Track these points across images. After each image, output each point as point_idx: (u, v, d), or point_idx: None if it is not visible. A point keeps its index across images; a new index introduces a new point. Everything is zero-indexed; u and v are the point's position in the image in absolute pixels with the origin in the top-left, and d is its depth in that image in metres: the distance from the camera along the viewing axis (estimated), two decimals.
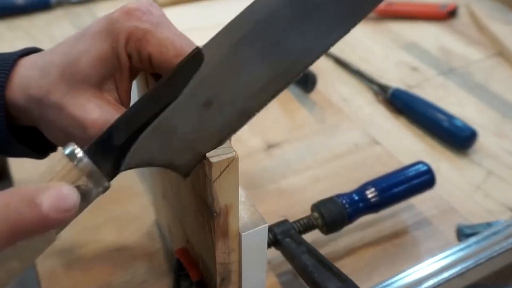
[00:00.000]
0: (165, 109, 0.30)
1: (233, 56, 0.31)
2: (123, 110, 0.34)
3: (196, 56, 0.31)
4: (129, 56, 0.34)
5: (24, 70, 0.35)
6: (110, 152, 0.30)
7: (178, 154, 0.32)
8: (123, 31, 0.33)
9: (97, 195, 0.29)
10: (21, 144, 0.37)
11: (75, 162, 0.28)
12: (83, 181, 0.28)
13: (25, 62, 0.36)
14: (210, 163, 0.31)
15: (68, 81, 0.33)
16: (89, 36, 0.34)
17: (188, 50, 0.32)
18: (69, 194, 0.26)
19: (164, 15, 0.35)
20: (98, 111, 0.33)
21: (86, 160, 0.28)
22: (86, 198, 0.28)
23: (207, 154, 0.31)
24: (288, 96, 0.72)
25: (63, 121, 0.34)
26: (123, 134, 0.30)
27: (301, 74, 0.34)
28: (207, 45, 0.32)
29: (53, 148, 0.40)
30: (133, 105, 0.31)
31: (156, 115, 0.30)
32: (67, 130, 0.34)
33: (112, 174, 0.30)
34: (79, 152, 0.28)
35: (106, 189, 0.30)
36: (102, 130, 0.31)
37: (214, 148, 0.32)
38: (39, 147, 0.39)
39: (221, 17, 0.95)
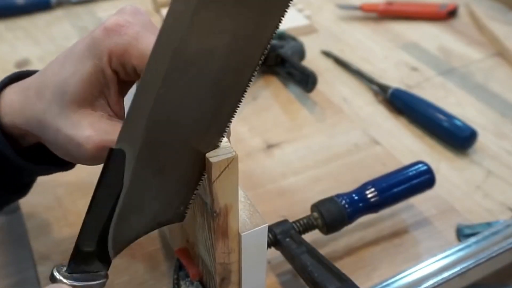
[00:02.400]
0: (117, 200, 0.31)
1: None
2: (116, 122, 0.35)
3: (113, 157, 0.31)
4: (116, 72, 0.34)
5: (19, 94, 0.36)
6: (90, 258, 0.32)
7: (159, 215, 0.34)
8: (104, 49, 0.33)
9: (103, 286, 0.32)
10: (42, 163, 0.39)
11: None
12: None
13: (19, 86, 0.37)
14: (210, 163, 0.31)
15: (60, 102, 0.34)
16: (74, 57, 0.34)
17: None
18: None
19: (147, 21, 0.35)
20: (90, 129, 0.34)
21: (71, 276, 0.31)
22: None
23: (207, 155, 0.31)
24: (288, 96, 0.72)
25: (60, 140, 0.35)
26: (91, 241, 0.31)
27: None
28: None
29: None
30: (89, 213, 0.32)
31: (113, 209, 0.31)
32: (66, 148, 0.35)
33: (106, 266, 0.32)
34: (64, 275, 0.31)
35: (105, 279, 0.32)
36: (97, 146, 0.33)
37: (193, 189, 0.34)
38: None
39: None
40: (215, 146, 0.32)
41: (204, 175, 0.33)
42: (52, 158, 0.38)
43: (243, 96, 0.33)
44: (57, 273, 0.31)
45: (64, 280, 0.31)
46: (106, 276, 0.32)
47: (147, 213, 0.33)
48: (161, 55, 0.29)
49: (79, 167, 0.59)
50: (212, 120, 0.32)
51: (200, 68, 0.30)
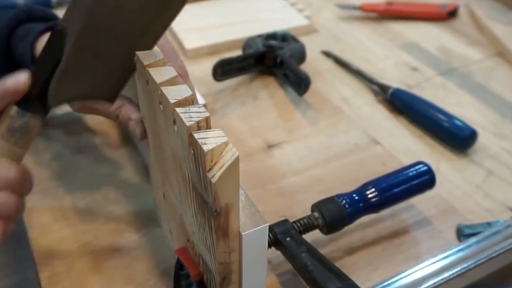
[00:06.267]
0: (57, 64, 0.39)
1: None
2: None
3: (57, 32, 0.40)
4: None
5: None
6: (34, 99, 0.41)
7: (93, 90, 0.43)
8: None
9: (35, 125, 0.41)
10: None
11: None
12: (16, 116, 0.40)
13: None
14: (203, 152, 0.31)
15: None
16: None
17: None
18: (22, 73, 0.40)
19: None
20: None
21: (15, 107, 0.40)
22: (26, 129, 0.40)
23: (200, 142, 0.31)
24: (287, 97, 0.72)
25: None
26: (36, 87, 0.40)
27: None
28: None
29: None
30: (36, 65, 0.41)
31: (55, 67, 0.39)
32: None
33: (44, 111, 0.41)
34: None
35: (42, 118, 0.41)
36: None
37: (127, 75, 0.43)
38: None
39: (222, 17, 0.96)
40: (149, 48, 0.40)
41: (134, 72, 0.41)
42: None
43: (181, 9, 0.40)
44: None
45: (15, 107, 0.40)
46: (43, 118, 0.41)
47: (82, 85, 0.42)
48: None
49: (78, 167, 0.59)
50: (148, 25, 0.39)
51: None
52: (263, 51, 0.74)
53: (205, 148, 0.31)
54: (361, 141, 0.65)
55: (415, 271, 0.46)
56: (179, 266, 0.45)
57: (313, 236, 0.48)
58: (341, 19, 0.93)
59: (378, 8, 0.92)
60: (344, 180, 0.58)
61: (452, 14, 0.93)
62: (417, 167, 0.52)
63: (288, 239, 0.45)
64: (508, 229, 0.49)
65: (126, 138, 0.64)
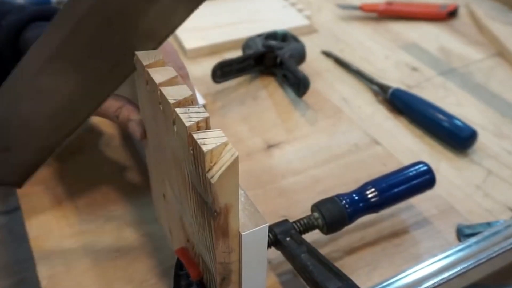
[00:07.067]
0: None
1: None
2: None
3: None
4: None
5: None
6: None
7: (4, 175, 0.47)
8: None
9: None
10: None
11: None
12: None
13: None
14: (202, 152, 0.30)
15: None
16: None
17: None
18: None
19: None
20: None
21: None
22: None
23: (199, 142, 0.31)
24: (287, 97, 0.72)
25: None
26: None
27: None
28: None
29: None
30: None
31: None
32: None
33: None
34: None
35: None
36: None
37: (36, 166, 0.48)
38: None
39: (222, 17, 0.96)
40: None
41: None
42: None
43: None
44: None
45: None
46: None
47: None
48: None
49: (78, 167, 0.59)
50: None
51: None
52: (262, 52, 0.74)
53: (205, 148, 0.31)
54: (361, 141, 0.65)
55: (415, 271, 0.46)
56: (179, 266, 0.45)
57: (313, 236, 0.48)
58: (341, 19, 0.93)
59: (378, 8, 0.92)
60: (344, 180, 0.58)
61: (452, 14, 0.93)
62: (417, 167, 0.52)
63: (288, 239, 0.45)
64: (508, 229, 0.49)
65: (126, 138, 0.64)
